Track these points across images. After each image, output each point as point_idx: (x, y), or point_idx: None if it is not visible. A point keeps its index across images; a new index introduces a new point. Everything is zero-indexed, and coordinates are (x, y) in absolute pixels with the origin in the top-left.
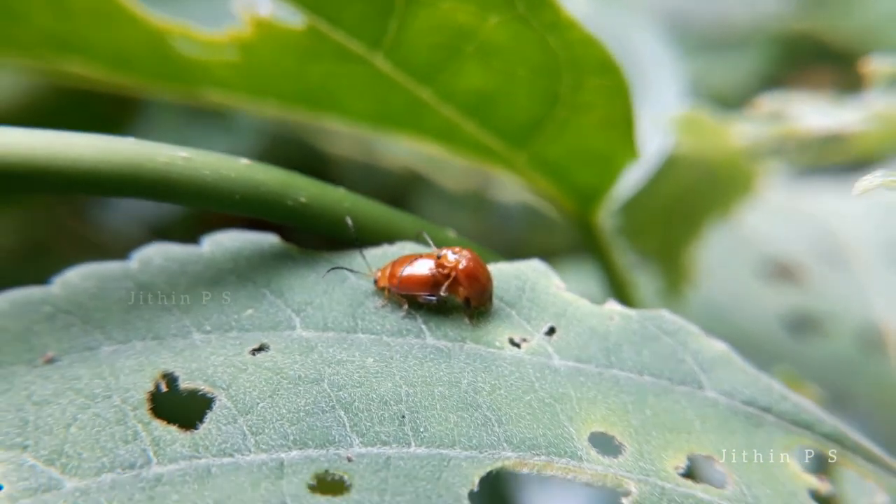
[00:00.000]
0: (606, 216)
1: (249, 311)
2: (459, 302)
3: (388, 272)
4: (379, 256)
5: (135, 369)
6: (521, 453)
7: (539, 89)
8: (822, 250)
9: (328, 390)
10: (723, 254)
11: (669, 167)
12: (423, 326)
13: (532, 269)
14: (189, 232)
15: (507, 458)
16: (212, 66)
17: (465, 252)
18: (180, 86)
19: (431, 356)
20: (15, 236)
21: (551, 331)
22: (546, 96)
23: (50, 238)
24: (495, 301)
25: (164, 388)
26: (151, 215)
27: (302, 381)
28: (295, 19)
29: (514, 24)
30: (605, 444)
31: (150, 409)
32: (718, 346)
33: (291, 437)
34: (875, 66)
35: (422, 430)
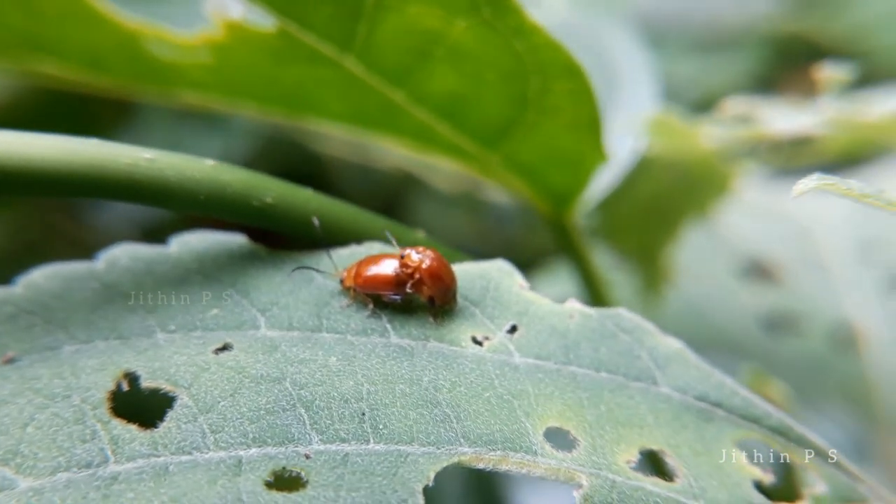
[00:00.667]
0: (580, 217)
1: (214, 311)
2: (424, 301)
3: (353, 272)
4: (346, 257)
5: (96, 369)
6: (477, 448)
7: (508, 92)
8: (798, 250)
9: (290, 389)
10: (701, 253)
11: (644, 168)
12: (388, 325)
13: (497, 269)
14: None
15: (463, 454)
16: (186, 68)
17: (428, 252)
18: (155, 87)
19: (394, 355)
20: (6, 238)
21: (513, 329)
22: (515, 99)
23: (42, 240)
24: (460, 300)
25: (125, 388)
26: (143, 217)
27: (264, 379)
28: (266, 22)
29: (480, 29)
30: (561, 440)
31: (111, 408)
32: (674, 344)
33: (251, 435)
34: (827, 73)
35: (381, 427)
